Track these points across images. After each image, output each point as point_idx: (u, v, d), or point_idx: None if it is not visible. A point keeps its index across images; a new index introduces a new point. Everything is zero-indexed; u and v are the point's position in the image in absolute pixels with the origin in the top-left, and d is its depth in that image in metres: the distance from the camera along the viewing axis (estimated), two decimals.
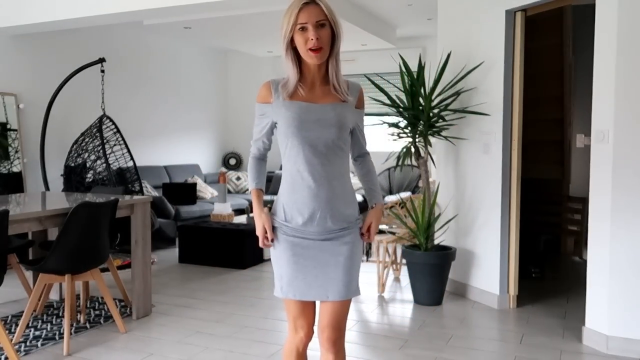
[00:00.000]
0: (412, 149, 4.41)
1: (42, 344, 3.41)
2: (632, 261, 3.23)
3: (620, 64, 3.22)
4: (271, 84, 1.93)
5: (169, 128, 8.06)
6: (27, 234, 4.28)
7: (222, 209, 6.31)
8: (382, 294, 4.61)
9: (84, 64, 6.01)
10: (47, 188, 5.92)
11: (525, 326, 3.78)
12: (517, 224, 4.14)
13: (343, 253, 1.95)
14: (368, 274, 4.99)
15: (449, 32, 4.59)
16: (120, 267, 5.22)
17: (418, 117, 4.30)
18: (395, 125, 4.44)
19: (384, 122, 4.47)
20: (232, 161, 9.23)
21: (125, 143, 6.01)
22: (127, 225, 3.99)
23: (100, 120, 5.84)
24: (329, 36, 1.84)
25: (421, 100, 4.31)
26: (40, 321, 3.84)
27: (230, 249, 5.51)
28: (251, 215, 5.98)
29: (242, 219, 6.16)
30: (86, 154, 5.78)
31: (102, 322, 3.83)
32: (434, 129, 4.33)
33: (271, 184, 8.45)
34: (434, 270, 4.20)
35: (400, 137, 4.46)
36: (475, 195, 4.34)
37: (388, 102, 4.37)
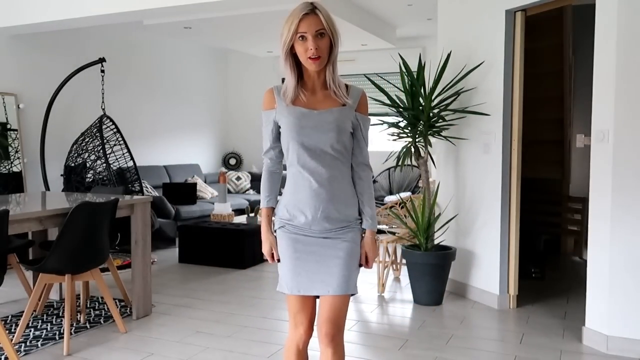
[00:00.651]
0: (412, 149, 4.41)
1: (42, 344, 3.41)
2: (632, 261, 3.23)
3: (620, 64, 3.22)
4: (274, 90, 2.02)
5: (169, 128, 8.07)
6: (27, 234, 4.28)
7: (222, 209, 6.32)
8: (382, 294, 4.61)
9: (84, 64, 6.01)
10: (47, 188, 5.92)
11: (525, 326, 3.78)
12: (517, 224, 4.14)
13: (343, 249, 2.00)
14: (368, 274, 4.99)
15: (449, 32, 4.59)
16: (120, 267, 5.22)
17: (418, 117, 4.30)
18: (395, 125, 4.44)
19: (384, 122, 4.48)
20: (232, 161, 9.23)
21: (125, 143, 6.01)
22: (127, 225, 3.99)
23: (100, 120, 5.84)
24: (327, 45, 1.91)
25: (421, 100, 4.31)
26: (40, 321, 3.84)
27: (230, 249, 5.51)
28: (251, 215, 5.98)
29: (242, 219, 6.16)
30: (86, 154, 5.78)
31: (102, 322, 3.83)
32: (434, 129, 4.33)
33: None
34: (434, 270, 4.20)
35: (400, 137, 4.46)
36: (475, 195, 4.34)
37: (388, 102, 4.36)
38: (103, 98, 6.03)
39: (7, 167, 5.75)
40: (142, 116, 7.54)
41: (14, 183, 5.76)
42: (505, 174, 4.13)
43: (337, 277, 1.98)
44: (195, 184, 7.20)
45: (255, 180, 8.69)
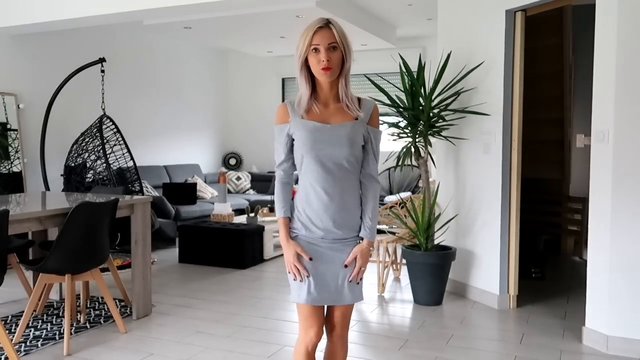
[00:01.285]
0: (412, 149, 4.41)
1: (42, 344, 3.41)
2: (632, 261, 3.23)
3: (620, 64, 3.22)
4: (287, 105, 2.05)
5: (169, 128, 8.07)
6: (27, 234, 4.28)
7: (222, 209, 6.31)
8: (382, 294, 4.61)
9: (84, 64, 6.01)
10: (47, 188, 5.92)
11: (525, 326, 3.79)
12: (517, 224, 4.14)
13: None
14: (368, 274, 4.97)
15: (449, 32, 4.59)
16: (120, 267, 5.22)
17: (418, 117, 4.30)
18: (395, 125, 4.44)
19: (384, 122, 4.47)
20: (232, 161, 9.24)
21: (125, 143, 6.00)
22: (127, 225, 3.99)
23: (101, 120, 5.84)
24: (339, 58, 1.97)
25: (421, 100, 4.31)
26: (40, 321, 3.84)
27: (230, 249, 5.51)
28: (251, 215, 5.98)
29: (242, 219, 6.16)
30: (86, 154, 5.78)
31: (102, 322, 3.83)
32: (434, 129, 4.33)
33: (271, 184, 8.47)
34: (434, 270, 4.20)
35: (400, 137, 4.46)
36: (475, 195, 4.34)
37: (388, 102, 4.37)
38: (103, 98, 6.03)
39: (7, 167, 5.75)
40: (142, 116, 7.54)
41: (14, 183, 5.76)
42: (505, 174, 4.13)
43: (350, 287, 2.07)
44: (195, 184, 7.21)
45: (255, 180, 8.69)
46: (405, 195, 6.52)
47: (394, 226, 5.27)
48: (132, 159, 6.05)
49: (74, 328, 3.68)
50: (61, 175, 6.00)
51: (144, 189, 6.52)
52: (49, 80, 6.13)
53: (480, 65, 4.18)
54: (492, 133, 4.17)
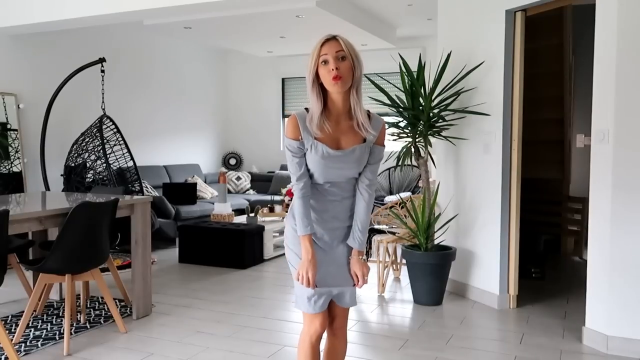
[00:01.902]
0: (412, 149, 4.41)
1: (42, 344, 3.41)
2: (632, 261, 3.23)
3: (620, 64, 3.22)
4: (298, 120, 2.04)
5: (169, 128, 8.07)
6: (27, 234, 4.28)
7: (222, 209, 6.31)
8: (382, 294, 4.61)
9: (84, 64, 6.01)
10: (47, 188, 5.92)
11: (525, 326, 3.79)
12: (517, 224, 4.14)
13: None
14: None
15: (449, 32, 4.59)
16: (120, 267, 5.22)
17: (418, 117, 4.30)
18: (396, 125, 4.44)
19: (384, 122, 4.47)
20: (232, 161, 9.24)
21: (125, 143, 6.01)
22: (127, 225, 3.99)
23: (100, 120, 5.84)
24: (349, 68, 1.98)
25: (421, 100, 4.31)
26: (40, 321, 3.84)
27: (230, 249, 5.51)
28: (251, 215, 5.98)
29: (242, 219, 6.16)
30: (86, 154, 5.78)
31: (102, 322, 3.83)
32: (434, 129, 4.33)
33: (271, 184, 8.47)
34: (434, 270, 4.20)
35: (400, 137, 4.47)
36: (475, 195, 4.34)
37: (388, 102, 4.37)
38: (103, 98, 6.03)
39: (7, 167, 5.75)
40: (142, 116, 7.54)
41: (14, 183, 5.76)
42: (505, 174, 4.13)
43: (350, 293, 2.22)
44: (195, 184, 7.21)
45: (255, 180, 8.69)
46: (405, 195, 6.52)
47: (394, 226, 5.27)
48: (132, 159, 6.05)
49: (74, 328, 3.69)
50: (61, 175, 6.00)
51: (144, 189, 6.52)
52: (49, 80, 6.13)
53: (480, 65, 4.18)
54: (492, 133, 4.17)
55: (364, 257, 2.20)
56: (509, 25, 4.06)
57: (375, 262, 4.82)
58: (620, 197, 3.25)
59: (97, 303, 4.24)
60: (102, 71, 5.98)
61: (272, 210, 6.34)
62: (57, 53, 6.32)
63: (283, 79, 9.08)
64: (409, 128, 4.38)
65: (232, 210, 6.52)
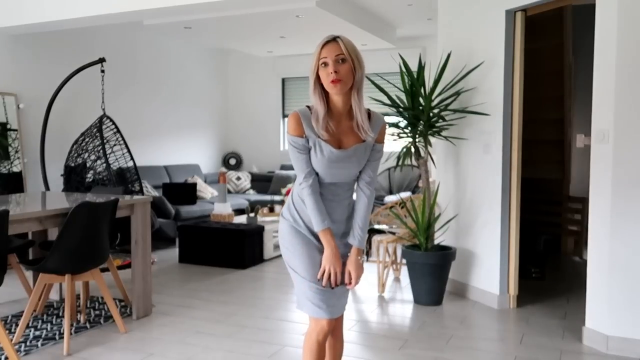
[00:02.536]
0: (412, 149, 4.41)
1: (42, 344, 3.41)
2: (632, 261, 3.23)
3: (620, 64, 3.22)
4: (301, 117, 2.03)
5: (169, 128, 8.07)
6: (27, 234, 4.28)
7: (222, 209, 6.31)
8: (382, 294, 4.61)
9: (84, 64, 6.01)
10: (47, 188, 5.92)
11: (525, 326, 3.79)
12: (517, 224, 4.14)
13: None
14: (368, 274, 4.99)
15: (449, 32, 4.59)
16: (120, 267, 5.22)
17: (418, 117, 4.30)
18: (396, 125, 4.44)
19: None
20: (232, 161, 9.24)
21: (125, 143, 6.00)
22: (127, 225, 3.99)
23: (100, 120, 5.84)
24: (348, 71, 1.97)
25: (421, 100, 4.31)
26: (40, 321, 3.84)
27: (230, 249, 5.51)
28: (251, 215, 5.98)
29: (242, 219, 6.16)
30: (86, 154, 5.78)
31: (102, 322, 3.83)
32: (434, 129, 4.33)
33: (271, 184, 8.47)
34: (434, 270, 4.20)
35: (400, 137, 4.47)
36: (475, 195, 4.34)
37: (388, 102, 4.37)
38: (103, 98, 6.03)
39: (7, 167, 5.75)
40: (142, 116, 7.54)
41: (14, 183, 5.76)
42: (505, 174, 4.13)
43: (346, 296, 2.22)
44: (195, 184, 7.20)
45: (255, 180, 8.69)
46: (405, 195, 6.52)
47: (394, 226, 5.27)
48: (132, 159, 6.05)
49: (74, 328, 3.68)
50: (61, 175, 6.00)
51: (144, 189, 6.52)
52: (49, 80, 6.13)
53: (480, 65, 4.18)
54: (492, 133, 4.17)
55: (362, 257, 2.17)
56: (509, 25, 4.06)
57: (375, 262, 4.82)
58: (620, 197, 3.25)
59: (97, 303, 4.24)
60: (102, 71, 5.98)
61: (272, 210, 6.35)
62: (57, 53, 6.32)
63: (283, 79, 9.08)
64: (409, 128, 4.38)
65: (232, 210, 6.52)
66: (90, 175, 5.75)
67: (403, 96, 4.37)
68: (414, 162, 4.56)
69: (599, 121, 3.35)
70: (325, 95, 2.03)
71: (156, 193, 6.79)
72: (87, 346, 3.40)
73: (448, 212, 4.53)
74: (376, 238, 4.86)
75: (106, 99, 6.22)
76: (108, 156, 5.67)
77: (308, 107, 2.08)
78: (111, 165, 5.70)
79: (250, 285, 4.87)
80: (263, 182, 8.62)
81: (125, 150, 6.02)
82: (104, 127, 5.83)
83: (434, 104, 4.29)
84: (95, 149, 5.73)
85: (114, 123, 5.95)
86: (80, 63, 6.06)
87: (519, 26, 4.04)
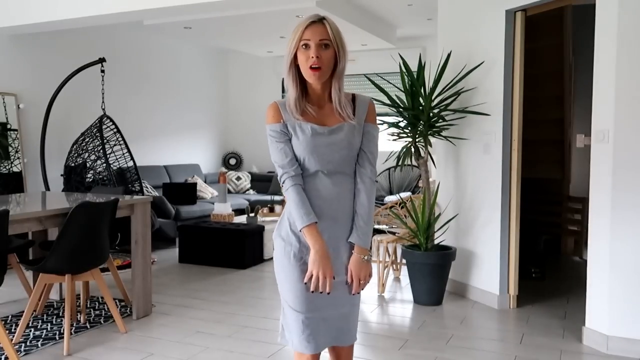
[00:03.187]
0: (412, 149, 4.41)
1: (42, 344, 3.41)
2: (633, 261, 3.23)
3: (620, 64, 3.22)
4: (278, 104, 1.86)
5: (169, 128, 8.06)
6: (27, 234, 4.28)
7: (222, 209, 6.31)
8: (382, 294, 4.61)
9: (84, 64, 6.01)
10: (47, 188, 5.92)
11: (525, 326, 3.79)
12: (517, 224, 4.14)
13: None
14: None
15: (449, 32, 4.59)
16: (120, 267, 5.22)
17: (418, 117, 4.30)
18: (395, 125, 4.44)
19: (384, 122, 4.48)
20: (232, 161, 9.23)
21: (125, 143, 6.01)
22: (127, 225, 3.99)
23: (100, 120, 5.85)
24: (331, 58, 1.80)
25: (421, 100, 4.31)
26: (40, 321, 3.84)
27: (230, 249, 5.51)
28: (251, 215, 5.97)
29: (242, 219, 6.16)
30: (86, 154, 5.78)
31: (102, 322, 3.83)
32: (434, 129, 4.33)
33: (271, 184, 8.47)
34: (434, 270, 4.20)
35: (400, 137, 4.47)
36: (476, 195, 4.34)
37: (388, 102, 4.37)
38: (103, 98, 6.03)
39: (7, 167, 5.75)
40: (142, 116, 7.54)
41: (14, 183, 5.76)
42: (505, 174, 4.13)
43: (354, 323, 1.95)
44: (195, 184, 7.20)
45: (255, 180, 8.69)
46: (405, 195, 6.52)
47: (394, 226, 5.27)
48: (132, 159, 6.05)
49: (74, 328, 3.68)
50: (61, 175, 6.00)
51: (144, 189, 6.52)
52: (49, 80, 6.13)
53: (480, 65, 4.18)
54: (492, 133, 4.17)
55: (368, 256, 1.89)
56: (509, 25, 4.06)
57: (375, 262, 4.82)
58: (620, 197, 3.25)
59: (97, 303, 4.24)
60: (102, 71, 5.98)
61: (272, 210, 6.35)
62: (57, 53, 6.32)
63: (283, 79, 9.05)
64: (409, 128, 4.38)
65: (232, 210, 6.52)
66: (90, 175, 5.75)
67: (403, 96, 4.37)
68: (414, 162, 4.56)
69: (599, 121, 3.35)
70: (301, 79, 1.83)
71: (156, 193, 6.79)
72: (87, 346, 3.41)
73: (448, 212, 4.53)
74: (376, 238, 4.86)
75: (106, 99, 6.22)
76: (108, 156, 5.68)
77: None
78: (111, 165, 5.71)
79: (250, 285, 4.87)
80: (263, 182, 8.62)
81: (125, 150, 6.02)
82: (104, 127, 5.84)
83: (434, 104, 4.29)
84: (95, 149, 5.73)
85: (114, 123, 5.95)
86: (80, 63, 6.07)
87: (519, 26, 4.04)
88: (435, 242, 4.41)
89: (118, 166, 6.04)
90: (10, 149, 5.79)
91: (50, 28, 5.60)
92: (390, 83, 4.74)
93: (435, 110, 4.32)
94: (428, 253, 4.21)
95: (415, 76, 4.29)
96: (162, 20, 6.12)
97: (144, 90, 7.57)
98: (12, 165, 5.80)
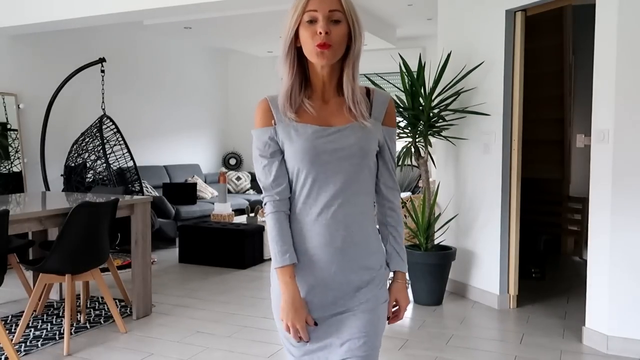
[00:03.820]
0: (412, 149, 4.41)
1: (42, 344, 3.41)
2: (632, 261, 3.23)
3: (620, 64, 3.22)
4: (269, 101, 1.48)
5: (169, 128, 8.06)
6: (27, 234, 4.28)
7: (222, 209, 6.31)
8: None
9: (84, 64, 6.01)
10: (47, 188, 5.92)
11: (525, 326, 3.79)
12: (517, 224, 4.14)
13: (369, 319, 1.53)
14: None
15: (449, 32, 4.59)
16: (120, 267, 5.22)
17: (418, 117, 4.30)
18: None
19: None
20: (232, 161, 9.24)
21: (125, 143, 6.01)
22: (127, 225, 3.99)
23: (100, 120, 5.85)
24: (343, 35, 1.39)
25: (421, 100, 4.31)
26: (40, 321, 3.84)
27: (230, 249, 5.51)
28: (251, 215, 5.97)
29: (242, 219, 6.16)
30: (86, 154, 5.78)
31: (102, 322, 3.83)
32: (434, 129, 4.33)
33: None
34: (434, 270, 4.20)
35: (400, 137, 4.47)
36: (475, 195, 4.34)
37: None
38: (103, 98, 6.03)
39: (7, 167, 5.75)
40: (142, 116, 7.54)
41: (14, 183, 5.76)
42: (505, 174, 4.13)
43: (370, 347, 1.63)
44: (195, 184, 7.20)
45: (255, 180, 8.68)
46: (405, 195, 6.52)
47: None
48: (132, 159, 6.06)
49: (74, 328, 3.68)
50: (61, 175, 6.00)
51: (144, 189, 6.52)
52: (49, 80, 6.13)
53: (480, 65, 4.18)
54: (492, 133, 4.17)
55: (407, 283, 1.63)
56: (509, 25, 4.06)
57: None
58: (620, 197, 3.25)
59: (97, 303, 4.24)
60: (102, 71, 5.98)
61: None
62: (57, 53, 6.32)
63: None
64: (409, 128, 4.38)
65: (232, 210, 6.52)
66: (90, 175, 5.76)
67: (403, 96, 4.37)
68: (414, 162, 4.56)
69: (599, 121, 3.35)
70: (300, 63, 1.44)
71: (156, 193, 6.79)
72: (87, 346, 3.41)
73: (448, 212, 4.53)
74: None
75: (106, 99, 6.22)
76: (108, 156, 5.68)
77: None
78: (111, 165, 5.71)
79: (250, 285, 4.87)
80: None
81: (125, 150, 6.02)
82: (104, 127, 5.84)
83: (434, 104, 4.29)
84: (95, 149, 5.73)
85: (114, 123, 5.95)
86: (80, 63, 6.07)
87: (519, 26, 4.04)
88: (436, 242, 4.41)
89: (118, 166, 6.04)
90: (10, 149, 5.79)
91: (50, 28, 5.60)
92: (390, 83, 4.74)
93: (435, 110, 4.32)
94: (428, 253, 4.21)
95: (415, 76, 4.29)
96: (162, 20, 6.12)
97: (144, 90, 7.57)
98: (12, 165, 5.80)
